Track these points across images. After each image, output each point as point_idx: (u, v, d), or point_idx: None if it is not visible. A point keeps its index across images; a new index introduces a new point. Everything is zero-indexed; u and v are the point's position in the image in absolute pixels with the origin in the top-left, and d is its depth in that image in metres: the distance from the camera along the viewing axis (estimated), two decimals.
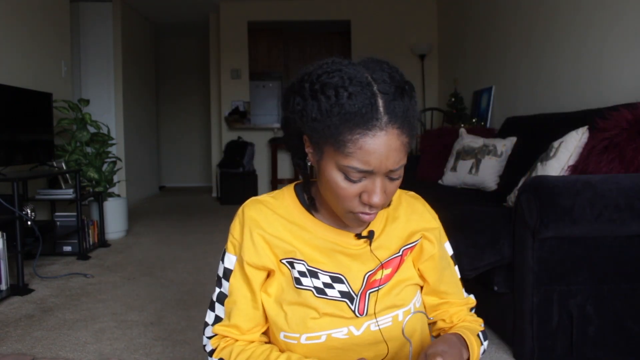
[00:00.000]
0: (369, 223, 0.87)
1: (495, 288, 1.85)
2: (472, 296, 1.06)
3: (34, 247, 3.00)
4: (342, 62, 0.79)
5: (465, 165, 3.16)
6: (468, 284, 2.19)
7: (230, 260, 0.91)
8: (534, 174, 2.22)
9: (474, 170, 3.09)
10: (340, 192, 0.80)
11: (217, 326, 0.91)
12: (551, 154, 2.20)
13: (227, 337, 0.91)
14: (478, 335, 0.95)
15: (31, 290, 2.74)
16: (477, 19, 4.65)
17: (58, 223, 3.64)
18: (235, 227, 0.91)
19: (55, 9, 4.10)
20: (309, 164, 0.86)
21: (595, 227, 1.63)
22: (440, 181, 3.34)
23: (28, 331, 2.17)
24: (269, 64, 6.89)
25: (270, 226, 0.88)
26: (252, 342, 0.91)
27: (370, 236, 0.90)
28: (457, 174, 3.20)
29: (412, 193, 1.02)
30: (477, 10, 4.62)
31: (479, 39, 4.61)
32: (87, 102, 4.12)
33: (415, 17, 6.15)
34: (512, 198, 2.38)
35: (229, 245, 0.91)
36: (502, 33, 4.09)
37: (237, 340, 0.91)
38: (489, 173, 3.02)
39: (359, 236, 0.90)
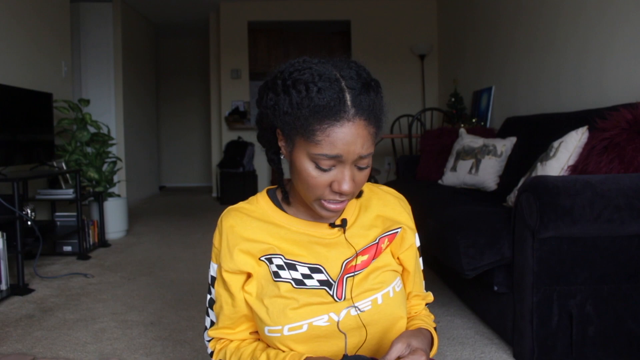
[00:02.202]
0: (340, 213, 0.91)
1: (495, 288, 1.85)
2: (430, 293, 1.10)
3: (34, 247, 3.00)
4: (312, 60, 0.84)
5: (465, 165, 3.16)
6: (468, 284, 2.19)
7: (213, 269, 0.98)
8: (534, 174, 2.22)
9: (473, 170, 3.09)
10: (311, 181, 0.84)
11: (210, 330, 0.98)
12: (551, 154, 2.20)
13: (222, 339, 0.98)
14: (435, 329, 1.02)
15: (31, 290, 2.74)
16: (477, 19, 4.65)
17: (58, 223, 3.65)
18: (215, 237, 0.96)
19: (55, 9, 4.10)
20: (282, 157, 0.91)
21: (595, 227, 1.63)
22: (440, 181, 3.34)
23: (28, 331, 2.17)
24: (269, 64, 6.89)
25: (246, 230, 0.93)
26: (245, 339, 0.97)
27: (343, 224, 0.94)
28: (457, 174, 3.20)
29: (386, 187, 1.06)
30: (477, 10, 4.62)
31: (479, 39, 4.61)
32: (87, 102, 4.12)
33: (415, 17, 6.15)
34: (512, 198, 2.38)
35: (212, 255, 0.97)
36: (502, 33, 4.09)
37: (231, 341, 0.97)
38: (488, 173, 3.02)
39: (332, 225, 0.94)
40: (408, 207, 1.04)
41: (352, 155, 0.81)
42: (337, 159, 0.81)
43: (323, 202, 0.86)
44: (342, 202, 0.87)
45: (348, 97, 0.79)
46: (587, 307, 1.70)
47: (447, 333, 2.08)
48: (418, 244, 1.04)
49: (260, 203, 0.97)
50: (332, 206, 0.86)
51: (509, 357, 1.86)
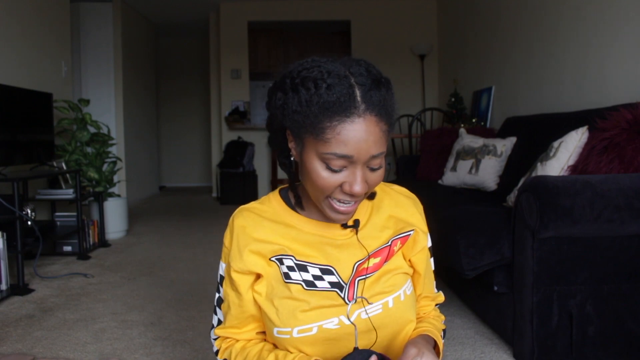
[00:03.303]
0: (350, 216, 0.89)
1: (495, 288, 1.85)
2: (441, 293, 1.09)
3: (34, 247, 3.00)
4: (321, 59, 0.82)
5: (465, 165, 3.16)
6: (468, 284, 2.19)
7: (222, 268, 0.97)
8: (534, 174, 2.22)
9: (473, 170, 3.09)
10: (320, 182, 0.81)
11: (217, 329, 0.98)
12: (551, 154, 2.20)
13: (228, 338, 0.97)
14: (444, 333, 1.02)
15: (31, 290, 2.74)
16: (477, 19, 4.65)
17: (58, 223, 3.65)
18: (226, 236, 0.96)
19: (55, 9, 4.10)
20: (292, 159, 0.88)
21: (595, 227, 1.63)
22: (440, 181, 3.34)
23: (28, 331, 2.17)
24: (269, 64, 6.89)
25: (257, 230, 0.92)
26: (251, 340, 0.96)
27: (356, 225, 0.93)
28: (457, 174, 3.20)
29: (398, 187, 1.04)
30: (477, 10, 4.62)
31: (479, 39, 4.61)
32: (87, 102, 4.12)
33: (415, 17, 6.15)
34: (512, 198, 2.38)
35: (222, 254, 0.97)
36: (502, 33, 4.09)
37: (237, 341, 0.96)
38: (488, 173, 3.02)
39: (344, 226, 0.93)
40: (420, 208, 1.03)
41: (364, 155, 0.78)
42: (348, 160, 0.78)
43: (333, 203, 0.84)
44: (352, 204, 0.84)
45: (358, 92, 0.77)
46: (587, 307, 1.70)
47: (447, 333, 2.08)
48: (430, 244, 1.03)
49: (273, 203, 0.96)
50: (342, 208, 0.84)
51: (509, 357, 1.86)
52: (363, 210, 0.96)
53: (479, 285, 2.07)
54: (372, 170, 0.82)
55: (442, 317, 1.06)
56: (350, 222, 0.93)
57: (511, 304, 1.82)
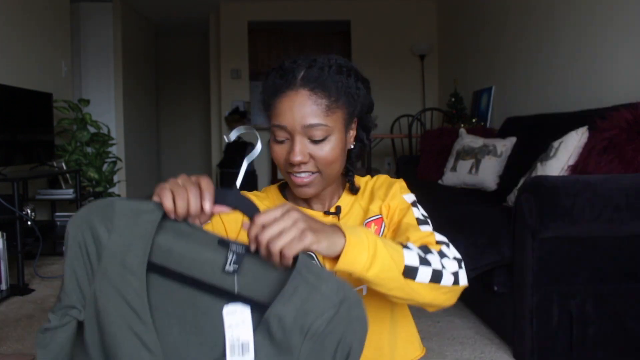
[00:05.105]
0: (313, 193, 0.91)
1: (495, 288, 1.85)
2: (435, 234, 0.96)
3: (34, 247, 3.00)
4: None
5: (465, 165, 3.16)
6: (468, 284, 2.19)
7: None
8: (534, 174, 2.22)
9: (474, 170, 3.09)
10: (273, 155, 0.91)
11: None
12: (551, 154, 2.20)
13: None
14: (407, 245, 0.79)
15: (31, 290, 2.74)
16: (477, 19, 4.65)
17: (58, 223, 3.65)
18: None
19: (55, 9, 4.10)
20: None
21: (595, 227, 1.63)
22: (440, 181, 3.34)
23: (28, 331, 2.17)
24: (269, 64, 6.87)
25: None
26: None
27: (338, 211, 0.97)
28: (457, 174, 3.20)
29: (378, 177, 1.04)
30: (478, 10, 4.62)
31: (479, 39, 4.61)
32: (88, 102, 4.13)
33: (415, 17, 6.15)
34: (512, 198, 2.38)
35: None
36: (502, 33, 4.09)
37: None
38: (489, 173, 3.02)
39: (327, 212, 0.97)
40: (382, 178, 1.01)
41: (297, 126, 0.85)
42: (285, 130, 0.86)
43: (292, 176, 0.90)
44: (304, 176, 0.89)
45: (301, 73, 0.86)
46: (587, 307, 1.70)
47: (447, 333, 2.08)
48: (410, 200, 0.96)
49: (272, 191, 1.03)
50: (297, 179, 0.89)
51: (509, 357, 1.86)
52: (346, 200, 1.00)
53: (479, 285, 2.07)
54: (315, 143, 0.87)
55: (438, 247, 0.87)
56: (332, 209, 0.97)
57: (511, 304, 1.82)
